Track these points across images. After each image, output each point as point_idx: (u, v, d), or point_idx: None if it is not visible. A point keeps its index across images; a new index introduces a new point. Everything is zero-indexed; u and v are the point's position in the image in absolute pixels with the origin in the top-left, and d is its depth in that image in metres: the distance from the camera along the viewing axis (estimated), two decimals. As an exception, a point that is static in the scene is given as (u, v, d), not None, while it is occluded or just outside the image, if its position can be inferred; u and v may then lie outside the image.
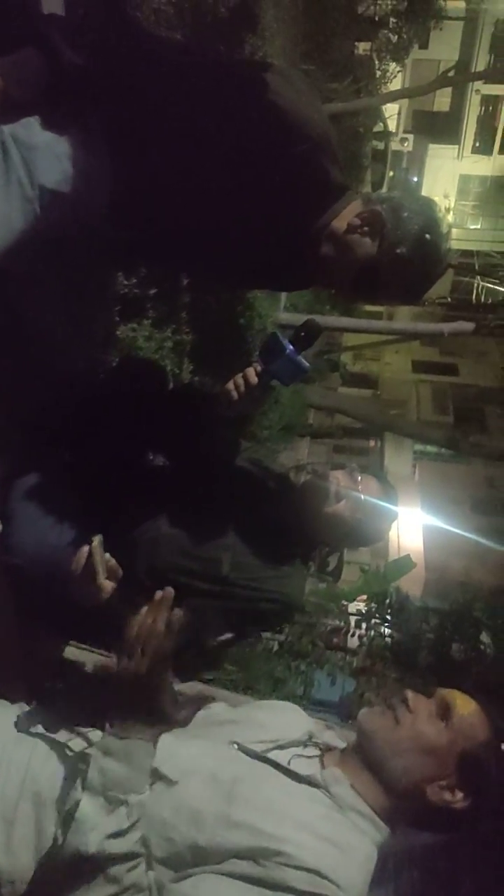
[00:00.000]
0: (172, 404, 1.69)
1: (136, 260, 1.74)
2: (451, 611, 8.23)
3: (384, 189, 14.24)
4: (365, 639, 8.27)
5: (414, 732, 1.07)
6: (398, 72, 12.31)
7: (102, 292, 1.96)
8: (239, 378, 1.43)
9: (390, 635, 8.32)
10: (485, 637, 7.83)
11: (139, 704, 1.00)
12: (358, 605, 8.60)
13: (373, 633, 8.24)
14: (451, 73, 12.96)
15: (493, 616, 7.99)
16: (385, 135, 13.45)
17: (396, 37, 11.52)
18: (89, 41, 1.22)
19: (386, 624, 8.40)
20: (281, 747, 1.09)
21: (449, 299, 15.24)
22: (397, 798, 1.06)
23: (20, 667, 1.33)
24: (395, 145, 15.24)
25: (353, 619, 8.57)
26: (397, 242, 1.29)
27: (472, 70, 14.52)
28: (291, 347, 1.38)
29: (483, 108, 15.85)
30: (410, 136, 16.15)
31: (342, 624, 8.63)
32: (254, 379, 1.41)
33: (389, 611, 8.43)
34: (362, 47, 12.29)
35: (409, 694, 1.12)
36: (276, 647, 7.92)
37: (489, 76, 14.66)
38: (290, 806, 0.99)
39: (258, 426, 5.59)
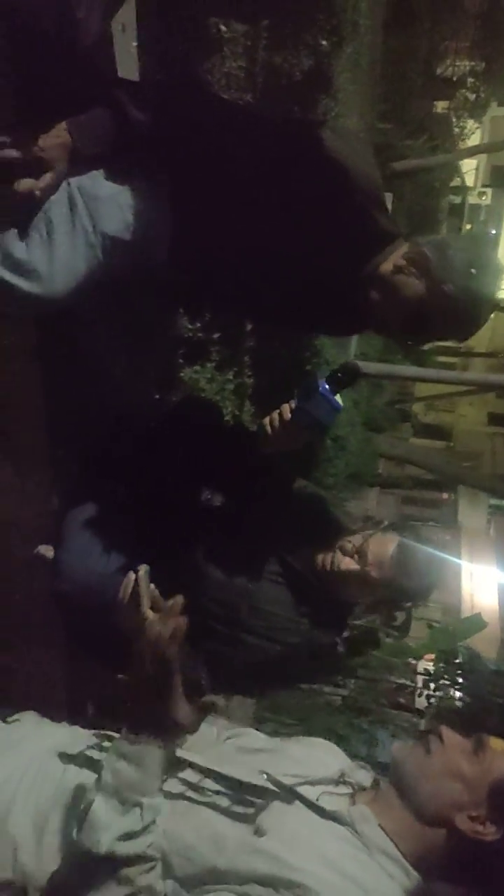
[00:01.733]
0: (224, 443, 1.73)
1: (195, 304, 1.82)
2: (525, 675, 7.81)
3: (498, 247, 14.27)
4: (433, 700, 7.93)
5: (445, 759, 1.05)
6: (476, 128, 12.45)
7: (165, 334, 2.05)
8: (274, 413, 1.46)
9: (460, 698, 7.95)
10: None
11: (148, 708, 1.01)
12: (427, 665, 8.29)
13: (441, 693, 7.89)
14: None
15: None
16: (462, 189, 13.53)
17: (475, 96, 11.69)
18: (155, 102, 1.32)
19: (455, 686, 8.03)
20: (311, 783, 1.07)
21: (526, 351, 14.91)
22: (425, 831, 1.02)
23: (63, 689, 1.37)
24: (473, 199, 15.29)
25: (420, 679, 8.25)
26: (443, 279, 1.32)
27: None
28: (326, 386, 1.41)
29: None
30: (489, 190, 16.15)
31: (409, 682, 8.32)
32: (287, 414, 1.44)
33: (459, 671, 8.07)
34: (440, 106, 12.53)
35: (444, 729, 1.10)
36: (338, 702, 7.70)
37: None
38: (315, 840, 0.98)
39: (324, 473, 5.57)
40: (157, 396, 2.31)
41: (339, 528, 1.68)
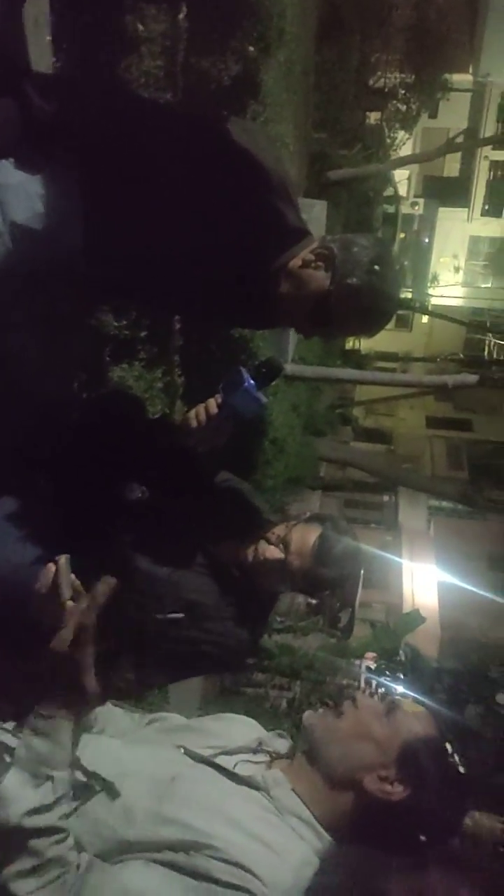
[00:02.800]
0: (148, 435, 1.73)
1: (116, 299, 1.82)
2: (465, 671, 8.01)
3: (395, 249, 14.62)
4: (376, 697, 8.04)
5: (355, 721, 1.08)
6: (407, 139, 12.83)
7: (88, 330, 2.04)
8: (200, 407, 1.47)
9: (402, 694, 8.09)
10: (501, 698, 7.58)
11: (62, 682, 1.01)
12: (369, 663, 8.40)
13: (383, 691, 8.01)
14: (459, 140, 13.45)
15: (508, 676, 7.77)
16: (395, 199, 13.91)
17: (405, 107, 12.06)
18: (62, 93, 1.33)
19: (398, 682, 8.18)
20: (228, 753, 1.10)
21: (461, 355, 15.40)
22: (335, 792, 1.05)
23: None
24: (406, 209, 15.74)
25: (363, 678, 8.36)
26: (348, 274, 1.37)
27: (481, 137, 15.06)
28: (251, 381, 1.43)
29: (492, 173, 16.36)
30: (421, 200, 16.66)
31: (353, 682, 8.42)
32: (213, 409, 1.45)
33: (401, 669, 8.22)
34: (373, 117, 12.87)
35: (359, 695, 1.14)
36: (283, 705, 7.73)
37: (497, 142, 15.17)
38: (225, 805, 1.00)
39: (263, 475, 5.61)
40: (84, 395, 2.30)
41: (261, 520, 1.70)
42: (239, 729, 1.20)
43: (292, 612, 8.57)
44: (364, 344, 15.12)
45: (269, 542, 1.52)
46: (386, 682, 8.06)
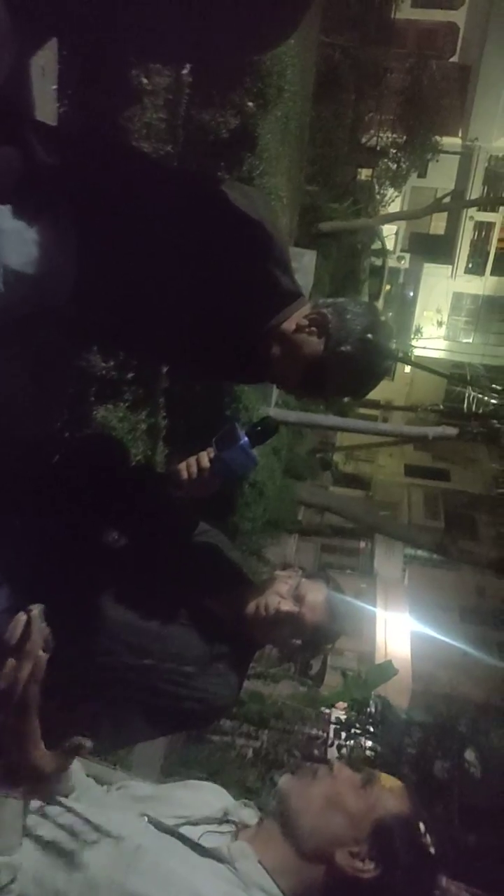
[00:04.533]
0: (129, 482, 1.72)
1: (103, 343, 1.83)
2: (435, 725, 7.91)
3: (381, 302, 14.94)
4: (344, 750, 7.90)
5: (331, 792, 1.04)
6: (396, 196, 13.24)
7: (73, 371, 2.04)
8: (192, 459, 1.47)
9: (371, 748, 7.96)
10: (469, 755, 7.48)
11: (8, 757, 0.97)
12: (340, 714, 8.28)
13: (352, 743, 7.88)
14: (446, 200, 13.91)
15: (478, 733, 7.68)
16: (383, 252, 14.28)
17: (396, 165, 12.47)
18: (64, 145, 1.35)
19: (367, 735, 8.05)
20: (194, 823, 1.06)
21: (441, 406, 15.65)
22: (305, 866, 1.01)
23: None
24: (392, 262, 16.16)
25: (332, 728, 8.22)
26: (341, 341, 1.39)
27: (467, 199, 15.59)
28: (246, 439, 1.44)
29: (476, 233, 16.90)
30: (407, 255, 17.15)
31: (321, 733, 8.27)
32: (205, 463, 1.45)
33: (371, 721, 8.10)
34: (364, 173, 13.29)
35: (336, 763, 1.10)
36: (249, 755, 7.56)
37: (482, 203, 15.72)
38: (190, 879, 0.96)
39: (242, 517, 5.59)
40: (67, 434, 2.28)
41: (243, 571, 1.69)
42: (204, 797, 1.16)
43: (263, 658, 8.45)
44: (347, 390, 15.31)
45: (281, 594, 1.50)
46: (355, 733, 7.94)
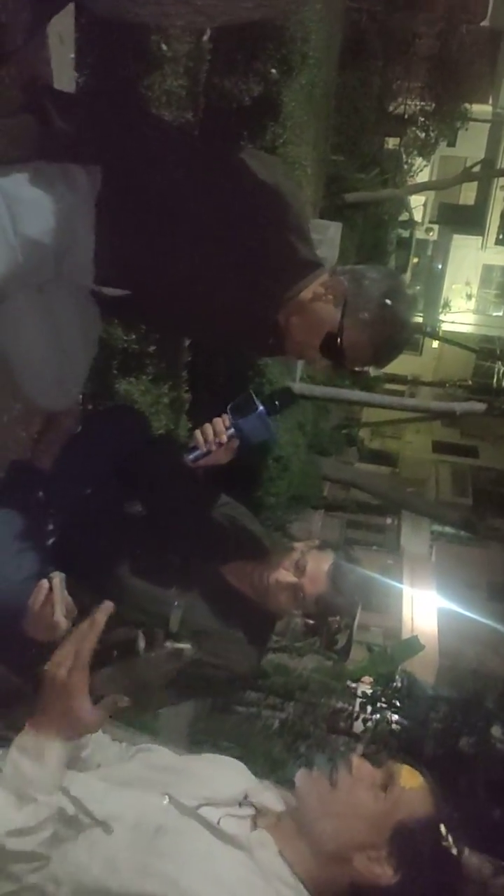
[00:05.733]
0: (150, 453, 1.73)
1: (116, 314, 1.83)
2: (461, 700, 7.91)
3: (408, 274, 14.70)
4: (370, 723, 7.95)
5: (349, 796, 1.03)
6: (424, 166, 12.94)
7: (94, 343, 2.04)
8: (207, 426, 1.47)
9: (397, 721, 7.99)
10: (496, 731, 7.48)
11: (56, 704, 1.00)
12: (365, 688, 8.32)
13: (378, 717, 7.92)
14: (476, 169, 13.55)
15: (504, 708, 7.66)
16: (410, 224, 13.99)
17: (424, 134, 12.17)
18: (82, 113, 1.34)
19: (392, 709, 8.08)
20: (214, 804, 1.05)
21: (470, 382, 15.40)
22: (324, 864, 1.01)
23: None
24: (420, 234, 15.85)
25: (358, 702, 8.27)
26: (359, 308, 1.36)
27: (498, 167, 15.18)
28: (262, 408, 1.43)
29: (507, 203, 16.49)
30: (436, 227, 16.78)
31: (347, 706, 8.33)
32: (221, 429, 1.44)
33: (397, 695, 8.13)
34: (392, 142, 12.99)
35: (355, 759, 1.08)
36: (276, 725, 7.65)
37: (513, 173, 15.31)
38: (210, 864, 0.96)
39: (266, 493, 5.59)
40: (90, 407, 2.30)
41: (263, 543, 1.69)
42: (225, 775, 1.16)
43: (289, 632, 8.50)
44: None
45: (283, 565, 1.51)
46: (380, 707, 7.98)
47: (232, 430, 1.45)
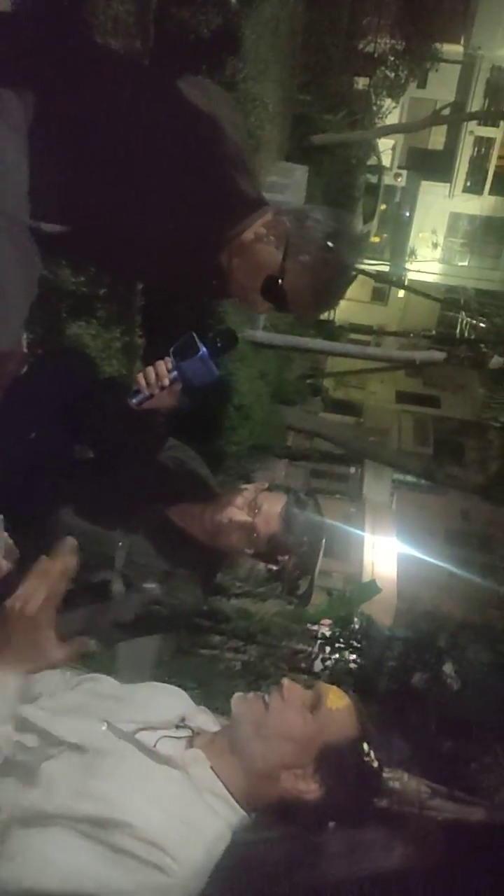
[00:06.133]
0: (96, 397, 1.71)
1: (59, 253, 1.77)
2: (415, 639, 8.23)
3: (375, 221, 14.51)
4: (329, 663, 8.24)
5: (280, 719, 1.09)
6: (394, 108, 12.63)
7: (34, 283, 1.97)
8: (149, 369, 1.45)
9: (354, 661, 8.30)
10: (447, 668, 7.82)
11: (22, 639, 1.03)
12: (325, 630, 8.58)
13: (337, 657, 8.21)
14: (445, 112, 13.29)
15: (456, 647, 8.00)
16: (378, 168, 13.73)
17: (394, 74, 11.83)
18: (16, 33, 1.27)
19: (351, 649, 8.38)
20: (152, 728, 1.10)
21: (434, 332, 15.48)
22: (254, 781, 1.07)
23: None
24: (388, 180, 15.57)
25: (318, 644, 8.54)
26: (300, 250, 1.33)
27: (467, 111, 14.91)
28: (205, 350, 1.41)
29: (476, 149, 16.22)
30: (404, 172, 16.49)
31: (307, 648, 8.60)
32: (163, 372, 1.43)
33: (355, 636, 8.42)
34: (361, 82, 12.61)
35: (286, 682, 1.14)
36: (237, 667, 7.88)
37: (483, 117, 15.04)
38: (145, 783, 1.01)
39: (227, 441, 5.61)
40: (39, 351, 2.25)
41: (210, 485, 1.71)
42: (165, 702, 1.21)
43: (251, 577, 8.68)
44: (338, 315, 15.09)
45: (236, 504, 1.52)
46: (339, 648, 8.26)
47: (175, 374, 1.44)
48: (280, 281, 1.36)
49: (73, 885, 0.92)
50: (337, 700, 1.12)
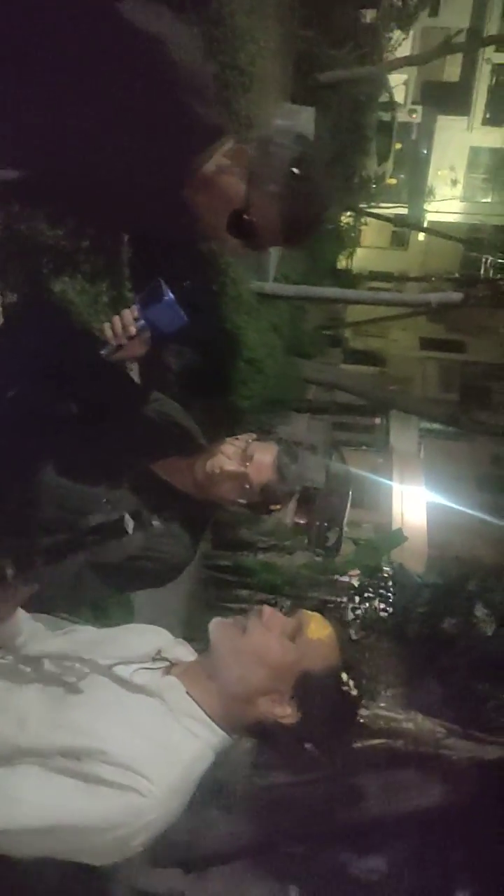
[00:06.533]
0: (75, 350, 1.68)
1: (18, 202, 1.72)
2: (445, 585, 8.21)
3: (390, 162, 14.00)
4: (359, 612, 8.30)
5: (259, 644, 1.08)
6: (404, 39, 12.04)
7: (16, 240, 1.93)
8: (116, 318, 1.41)
9: (383, 609, 8.34)
10: (479, 611, 7.80)
11: None
12: (353, 580, 8.62)
13: (366, 606, 8.26)
14: (459, 39, 12.62)
15: (488, 590, 7.97)
16: (391, 105, 13.17)
17: (401, 2, 11.25)
18: None
19: (380, 598, 8.41)
20: (128, 662, 1.11)
21: (457, 275, 15.02)
22: (231, 705, 1.08)
23: None
24: (402, 116, 14.94)
25: (347, 594, 8.60)
26: (265, 179, 1.25)
27: (483, 37, 14.14)
28: (171, 296, 1.37)
29: (494, 78, 15.45)
30: (419, 108, 15.81)
31: (335, 598, 8.66)
32: (129, 320, 1.39)
33: (384, 585, 8.44)
34: (368, 15, 12.01)
35: (266, 609, 1.13)
36: (267, 620, 7.98)
37: (500, 42, 14.26)
38: (119, 711, 1.02)
39: (239, 395, 5.56)
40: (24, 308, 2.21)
41: (196, 438, 1.68)
42: (143, 638, 1.21)
43: (277, 531, 8.72)
44: (357, 263, 14.75)
45: (228, 455, 1.50)
46: (368, 597, 8.30)
47: (142, 322, 1.40)
48: (246, 215, 1.28)
49: (49, 820, 0.94)
50: (318, 630, 1.11)
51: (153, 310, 1.38)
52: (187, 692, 1.08)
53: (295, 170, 1.27)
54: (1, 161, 1.29)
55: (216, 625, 1.12)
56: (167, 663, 1.14)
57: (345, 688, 1.09)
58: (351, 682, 1.10)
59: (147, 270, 3.17)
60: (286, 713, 1.07)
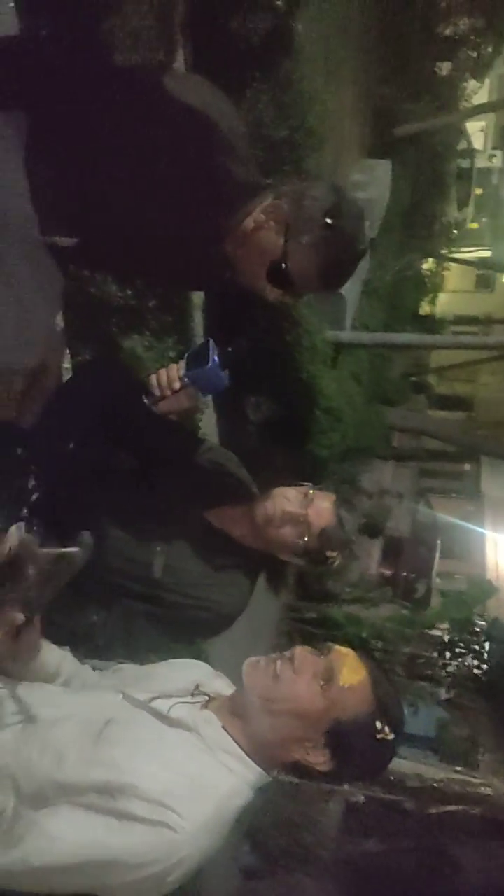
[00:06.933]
0: (126, 401, 1.74)
1: (80, 267, 1.82)
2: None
3: (470, 207, 13.92)
4: (450, 668, 7.91)
5: (289, 694, 1.07)
6: (479, 88, 12.08)
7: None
8: (162, 372, 1.46)
9: (478, 666, 7.91)
10: None
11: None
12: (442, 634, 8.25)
13: (458, 662, 7.86)
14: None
15: None
16: (470, 152, 13.18)
17: (476, 54, 11.34)
18: (16, 59, 1.32)
19: (473, 654, 7.99)
20: (167, 696, 1.11)
21: (547, 315, 14.57)
22: (265, 747, 1.07)
23: None
24: (482, 162, 14.90)
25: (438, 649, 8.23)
26: (300, 232, 1.29)
27: None
28: (216, 360, 1.41)
29: None
30: (499, 152, 15.71)
31: (424, 653, 8.30)
32: (174, 376, 1.44)
33: (476, 640, 8.02)
34: (444, 68, 12.17)
35: (298, 650, 1.11)
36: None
37: None
38: (156, 746, 1.02)
39: (317, 445, 5.53)
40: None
41: (250, 487, 1.69)
42: (182, 673, 1.22)
43: (362, 583, 8.51)
44: (441, 308, 14.56)
45: (288, 497, 1.52)
46: (459, 653, 7.90)
47: (186, 380, 1.45)
48: (284, 266, 1.32)
49: (82, 857, 0.95)
50: (350, 675, 1.08)
51: (197, 371, 1.43)
52: (223, 727, 1.07)
53: (328, 220, 1.30)
54: (62, 229, 1.39)
55: (250, 666, 1.11)
56: (205, 698, 1.14)
57: (379, 735, 1.06)
58: (386, 728, 1.06)
59: (220, 323, 3.28)
60: (319, 761, 1.06)
